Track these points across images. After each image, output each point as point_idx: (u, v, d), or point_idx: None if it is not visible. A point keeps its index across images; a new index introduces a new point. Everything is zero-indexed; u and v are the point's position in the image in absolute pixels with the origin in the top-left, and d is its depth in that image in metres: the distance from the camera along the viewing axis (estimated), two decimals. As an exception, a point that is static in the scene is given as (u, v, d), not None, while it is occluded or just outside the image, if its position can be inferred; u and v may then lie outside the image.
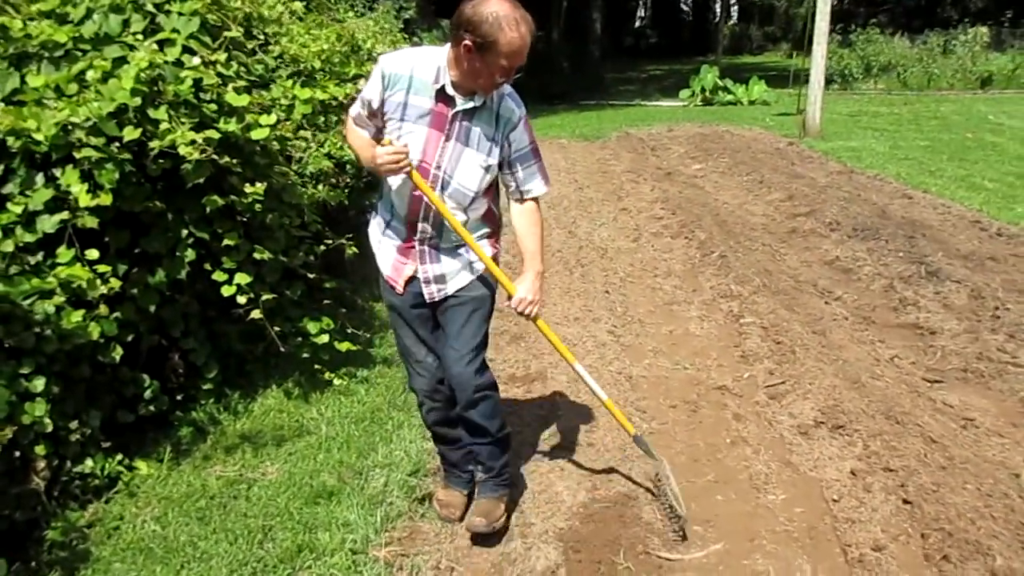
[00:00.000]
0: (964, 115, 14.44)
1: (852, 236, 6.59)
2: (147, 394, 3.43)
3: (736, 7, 42.03)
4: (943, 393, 3.91)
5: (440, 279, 2.66)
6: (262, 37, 4.49)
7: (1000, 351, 4.31)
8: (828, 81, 13.24)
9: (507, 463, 2.92)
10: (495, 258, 2.73)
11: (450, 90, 2.44)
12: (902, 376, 4.11)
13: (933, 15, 26.02)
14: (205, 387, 3.78)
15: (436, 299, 2.68)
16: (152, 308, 3.37)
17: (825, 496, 3.10)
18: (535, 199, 2.71)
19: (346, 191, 4.75)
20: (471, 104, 2.47)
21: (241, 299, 3.53)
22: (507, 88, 2.53)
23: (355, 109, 2.62)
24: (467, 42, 2.30)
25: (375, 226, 2.77)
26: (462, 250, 2.66)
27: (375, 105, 2.51)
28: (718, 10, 34.17)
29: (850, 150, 10.91)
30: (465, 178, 2.53)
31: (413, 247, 2.64)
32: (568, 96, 19.55)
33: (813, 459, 3.35)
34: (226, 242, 3.50)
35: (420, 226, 2.59)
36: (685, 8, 42.20)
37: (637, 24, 42.32)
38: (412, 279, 2.67)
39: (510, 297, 2.63)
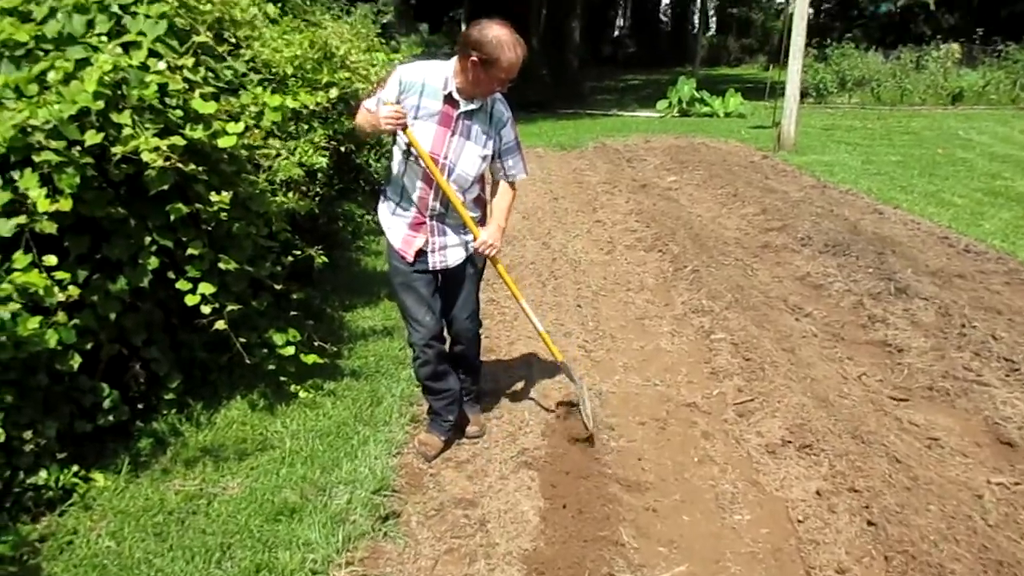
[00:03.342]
0: (935, 130, 14.63)
1: (823, 252, 6.63)
2: (106, 404, 3.35)
3: (714, 19, 42.31)
4: (909, 412, 3.93)
5: (443, 248, 3.30)
6: (233, 40, 4.41)
7: (966, 369, 4.35)
8: (803, 94, 13.32)
9: (479, 387, 3.89)
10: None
11: (456, 95, 3.08)
12: (869, 394, 4.13)
13: (906, 31, 26.24)
14: (167, 397, 3.69)
15: (438, 268, 3.32)
16: (113, 316, 3.29)
17: (791, 516, 3.10)
18: (513, 183, 3.40)
19: (316, 199, 4.69)
20: (472, 106, 3.12)
21: (205, 309, 3.45)
22: (498, 95, 3.18)
23: (370, 103, 3.18)
24: (474, 58, 2.94)
25: (385, 207, 3.36)
26: (461, 228, 3.29)
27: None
28: (696, 21, 34.35)
29: (824, 164, 11.01)
30: (466, 166, 3.18)
31: (424, 223, 3.26)
32: (546, 104, 19.48)
33: (780, 479, 3.35)
34: (190, 251, 3.43)
35: (431, 204, 3.21)
36: (664, 19, 42.31)
37: (616, 33, 42.34)
38: (421, 251, 3.26)
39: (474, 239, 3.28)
